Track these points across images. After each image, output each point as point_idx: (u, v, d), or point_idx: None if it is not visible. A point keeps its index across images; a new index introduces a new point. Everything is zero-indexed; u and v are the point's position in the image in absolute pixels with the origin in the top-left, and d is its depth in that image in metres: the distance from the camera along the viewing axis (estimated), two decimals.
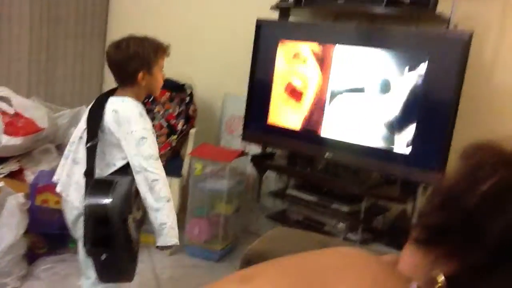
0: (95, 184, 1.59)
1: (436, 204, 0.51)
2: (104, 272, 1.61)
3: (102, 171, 1.68)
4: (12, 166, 2.71)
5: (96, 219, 1.54)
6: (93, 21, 3.64)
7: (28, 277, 2.34)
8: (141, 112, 1.69)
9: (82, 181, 1.63)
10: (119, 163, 1.68)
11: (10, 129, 2.70)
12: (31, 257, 2.43)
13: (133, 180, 1.65)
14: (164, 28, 3.57)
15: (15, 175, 2.71)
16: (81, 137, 1.71)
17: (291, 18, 2.86)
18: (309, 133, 2.59)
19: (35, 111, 2.87)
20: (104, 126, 1.66)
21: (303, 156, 2.71)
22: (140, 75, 1.71)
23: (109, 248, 1.54)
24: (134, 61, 1.71)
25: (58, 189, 1.77)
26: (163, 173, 1.69)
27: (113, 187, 1.55)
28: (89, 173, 1.62)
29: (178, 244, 1.75)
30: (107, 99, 1.71)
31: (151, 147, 1.65)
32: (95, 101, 1.76)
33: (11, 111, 2.81)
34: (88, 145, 1.64)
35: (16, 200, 2.37)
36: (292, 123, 2.65)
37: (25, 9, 3.22)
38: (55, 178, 1.81)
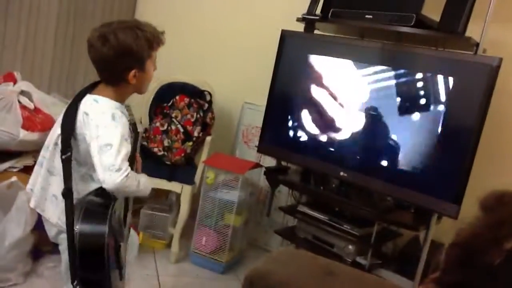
0: (86, 210, 1.39)
1: (455, 259, 0.47)
2: None
3: (77, 185, 1.47)
4: (27, 161, 2.73)
5: (91, 253, 1.36)
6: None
7: (31, 274, 2.35)
8: (113, 114, 1.44)
9: (59, 194, 1.46)
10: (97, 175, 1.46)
11: (28, 124, 2.72)
12: (36, 254, 2.43)
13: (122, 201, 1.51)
14: (187, 33, 3.58)
15: (29, 170, 2.71)
16: (56, 144, 1.50)
17: (317, 31, 2.81)
18: (325, 150, 2.53)
19: (54, 107, 2.89)
20: (76, 132, 1.45)
21: (317, 173, 2.65)
22: (132, 73, 1.48)
23: (100, 286, 1.40)
24: (125, 58, 1.45)
25: (32, 204, 1.57)
26: (123, 187, 1.41)
27: (107, 213, 1.38)
28: (66, 193, 1.43)
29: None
30: (84, 96, 1.49)
31: (114, 156, 1.38)
32: (72, 100, 1.51)
33: (31, 106, 2.83)
34: (63, 157, 1.43)
35: (26, 195, 2.37)
36: (309, 139, 2.60)
37: (53, 5, 3.26)
38: (28, 188, 1.61)
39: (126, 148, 1.43)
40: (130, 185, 1.42)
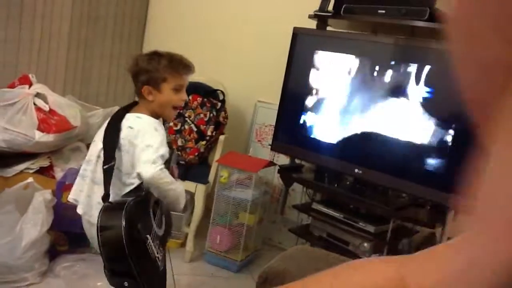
0: (106, 208, 1.52)
1: None
2: None
3: (120, 190, 1.65)
4: (43, 162, 2.76)
5: (111, 245, 1.45)
6: (131, 23, 3.69)
7: (48, 274, 2.36)
8: (156, 127, 1.69)
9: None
10: (136, 181, 1.65)
11: (43, 126, 2.75)
12: (52, 253, 2.46)
13: (148, 196, 1.60)
14: (200, 33, 3.59)
15: (45, 171, 2.75)
16: (98, 156, 1.69)
17: (329, 28, 2.79)
18: (339, 147, 2.51)
19: (68, 109, 2.92)
20: (121, 144, 1.65)
21: (331, 170, 2.63)
22: (145, 89, 1.71)
23: (131, 276, 1.46)
24: (140, 76, 1.72)
25: (79, 211, 1.74)
26: (158, 178, 1.62)
27: (126, 209, 1.47)
28: (105, 197, 1.58)
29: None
30: (124, 115, 1.71)
31: (151, 153, 1.61)
32: (111, 118, 1.74)
33: (46, 108, 2.86)
34: (105, 167, 1.61)
35: (43, 196, 2.41)
36: (322, 136, 2.59)
37: (66, 9, 3.30)
38: (71, 198, 1.78)
39: (164, 150, 1.65)
40: (164, 178, 1.62)
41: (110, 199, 1.59)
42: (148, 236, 1.54)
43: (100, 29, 3.51)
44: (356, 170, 2.41)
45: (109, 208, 1.51)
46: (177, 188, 1.71)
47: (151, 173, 1.58)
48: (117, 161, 1.63)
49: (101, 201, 1.60)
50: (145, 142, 1.63)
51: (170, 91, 1.73)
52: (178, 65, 1.76)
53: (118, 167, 1.65)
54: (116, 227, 1.44)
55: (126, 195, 1.62)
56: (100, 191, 1.63)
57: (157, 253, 1.59)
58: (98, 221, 1.47)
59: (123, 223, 1.44)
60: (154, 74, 1.71)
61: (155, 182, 1.62)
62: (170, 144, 1.84)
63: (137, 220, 1.51)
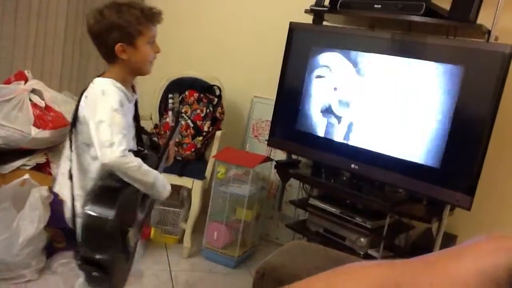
0: (99, 192, 1.42)
1: None
2: (94, 284, 1.48)
3: (90, 166, 1.55)
4: (39, 159, 2.76)
5: (94, 232, 1.37)
6: None
7: (45, 271, 2.37)
8: (103, 90, 1.48)
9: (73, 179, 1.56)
10: None
11: (40, 122, 2.74)
12: (50, 250, 2.46)
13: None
14: (196, 29, 3.58)
15: (41, 168, 2.75)
16: None
17: (326, 23, 2.79)
18: (336, 142, 2.51)
19: (65, 105, 2.91)
20: (79, 116, 1.53)
21: (328, 166, 2.64)
22: (118, 47, 1.50)
23: (103, 268, 1.39)
24: (111, 32, 1.49)
25: (55, 188, 1.70)
26: (123, 163, 1.42)
27: (119, 201, 1.39)
28: (69, 175, 1.56)
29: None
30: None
31: (107, 131, 1.42)
32: None
33: (42, 104, 2.85)
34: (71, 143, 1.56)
35: (39, 193, 2.40)
36: (319, 132, 2.59)
37: (62, 5, 3.28)
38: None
39: (118, 121, 1.45)
40: (130, 163, 1.42)
41: (82, 178, 1.55)
42: (130, 228, 1.50)
43: None
44: (353, 166, 2.41)
45: (102, 197, 1.41)
46: (150, 173, 1.50)
47: (113, 158, 1.39)
48: (84, 135, 1.52)
49: (70, 179, 1.56)
50: (97, 117, 1.44)
51: (146, 45, 1.56)
52: (152, 14, 1.57)
53: (84, 142, 1.53)
54: (104, 219, 1.35)
55: (114, 180, 1.45)
56: (73, 167, 1.57)
57: (132, 243, 1.55)
58: (87, 207, 1.37)
59: (114, 217, 1.35)
60: (128, 28, 1.50)
61: (118, 169, 1.43)
62: (177, 113, 1.66)
63: (126, 213, 1.45)
